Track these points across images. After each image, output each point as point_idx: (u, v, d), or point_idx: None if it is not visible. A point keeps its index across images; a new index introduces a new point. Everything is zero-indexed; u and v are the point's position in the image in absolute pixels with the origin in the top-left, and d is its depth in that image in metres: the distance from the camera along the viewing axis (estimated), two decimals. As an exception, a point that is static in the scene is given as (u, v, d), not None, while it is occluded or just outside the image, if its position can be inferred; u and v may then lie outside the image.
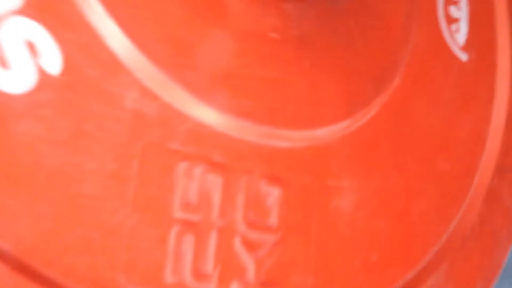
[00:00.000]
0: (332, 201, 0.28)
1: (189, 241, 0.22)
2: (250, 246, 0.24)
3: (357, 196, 0.29)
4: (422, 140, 0.33)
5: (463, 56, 0.37)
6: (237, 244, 0.23)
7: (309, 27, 0.31)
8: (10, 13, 0.19)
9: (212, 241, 0.23)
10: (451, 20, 0.37)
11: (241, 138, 0.24)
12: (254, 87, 0.27)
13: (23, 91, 0.17)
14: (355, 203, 0.29)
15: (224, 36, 0.26)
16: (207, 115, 0.24)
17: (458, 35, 0.37)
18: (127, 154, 0.20)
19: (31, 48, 0.19)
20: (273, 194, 0.26)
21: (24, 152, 0.17)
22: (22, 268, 0.17)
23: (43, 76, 0.18)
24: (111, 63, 0.20)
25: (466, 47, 0.37)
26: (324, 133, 0.29)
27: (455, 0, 0.37)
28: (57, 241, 0.18)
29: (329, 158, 0.28)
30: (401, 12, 0.35)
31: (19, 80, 0.17)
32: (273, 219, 0.25)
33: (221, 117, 0.24)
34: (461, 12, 0.38)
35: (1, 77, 0.17)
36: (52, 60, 0.18)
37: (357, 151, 0.29)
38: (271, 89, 0.28)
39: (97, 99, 0.19)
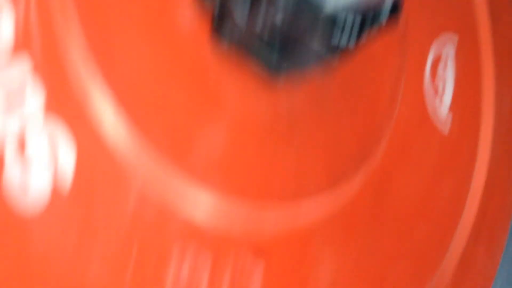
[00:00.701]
0: (313, 274, 0.30)
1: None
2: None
3: (336, 268, 0.32)
4: (400, 212, 0.35)
5: (445, 129, 0.39)
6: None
7: (298, 105, 0.33)
8: (35, 111, 0.21)
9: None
10: (436, 91, 0.39)
11: (230, 227, 0.27)
12: (245, 168, 0.30)
13: (36, 212, 0.20)
14: (334, 275, 0.31)
15: (219, 123, 0.29)
16: (202, 202, 0.26)
17: (442, 107, 0.39)
18: (125, 253, 0.23)
19: (50, 154, 0.21)
20: (257, 270, 0.28)
21: (36, 266, 0.20)
22: None
23: (55, 194, 0.20)
24: (115, 172, 0.23)
25: (448, 118, 0.39)
26: (307, 209, 0.31)
27: (441, 73, 0.40)
28: None
29: (311, 237, 0.30)
30: (388, 84, 0.37)
31: (33, 200, 0.20)
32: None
33: (212, 204, 0.27)
34: (446, 83, 0.40)
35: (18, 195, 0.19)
36: (65, 171, 0.21)
37: (338, 228, 0.31)
38: (261, 167, 0.31)
39: (101, 210, 0.22)
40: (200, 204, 0.26)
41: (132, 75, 0.25)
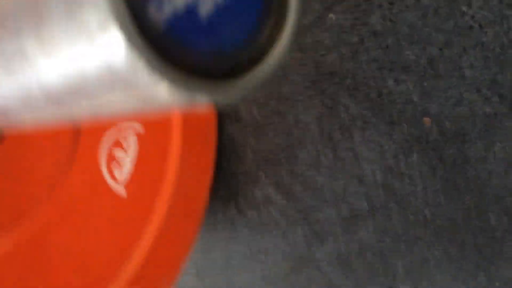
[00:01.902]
0: None
1: None
2: None
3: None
4: (59, 261, 0.41)
5: (123, 192, 0.46)
6: None
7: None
8: None
9: None
10: (114, 160, 0.46)
11: None
12: None
13: None
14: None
15: None
16: None
17: (122, 175, 0.45)
18: None
19: None
20: None
21: None
22: None
23: None
24: None
25: (128, 184, 0.46)
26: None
27: (121, 143, 0.46)
28: None
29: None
30: (55, 161, 0.42)
31: None
32: None
33: None
34: (126, 158, 0.46)
35: None
36: None
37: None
38: None
39: None
40: None
41: None
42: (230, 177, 0.60)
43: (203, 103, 0.13)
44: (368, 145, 0.48)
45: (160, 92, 0.12)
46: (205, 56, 0.13)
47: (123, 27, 0.12)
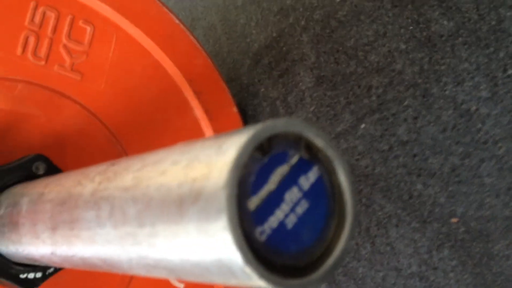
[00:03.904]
0: None
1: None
2: None
3: None
4: None
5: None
6: None
7: None
8: None
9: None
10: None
11: None
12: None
13: None
14: None
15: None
16: None
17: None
18: None
19: None
20: None
21: None
22: None
23: None
24: None
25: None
26: None
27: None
28: None
29: None
30: None
31: None
32: None
33: None
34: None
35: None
36: None
37: None
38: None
39: None
40: None
41: None
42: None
43: None
44: (403, 241, 0.53)
45: (256, 283, 0.19)
46: (292, 256, 0.20)
47: (242, 249, 0.18)
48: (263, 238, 0.19)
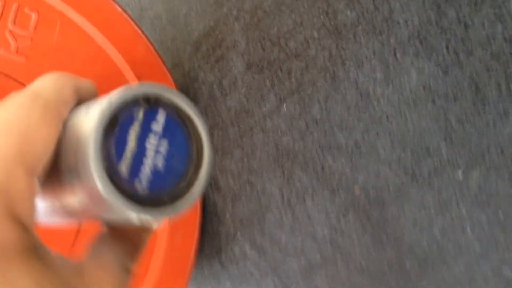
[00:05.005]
0: None
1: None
2: None
3: None
4: None
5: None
6: None
7: None
8: None
9: None
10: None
11: None
12: None
13: None
14: None
15: None
16: None
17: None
18: None
19: None
20: None
21: None
22: None
23: None
24: None
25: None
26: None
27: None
28: None
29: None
30: None
31: None
32: None
33: None
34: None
35: None
36: None
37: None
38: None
39: None
40: None
41: None
42: (213, 237, 0.72)
43: (155, 220, 0.25)
44: (317, 209, 0.59)
45: (131, 215, 0.25)
46: (155, 193, 0.25)
47: (109, 192, 0.24)
48: (144, 187, 0.24)
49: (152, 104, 0.25)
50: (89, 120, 0.24)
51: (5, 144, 0.23)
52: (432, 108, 0.48)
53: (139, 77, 0.70)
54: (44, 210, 0.29)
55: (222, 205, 0.71)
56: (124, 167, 0.24)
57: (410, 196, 0.51)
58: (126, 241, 0.28)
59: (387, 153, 0.52)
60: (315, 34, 0.57)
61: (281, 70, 0.62)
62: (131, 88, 0.25)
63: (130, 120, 0.25)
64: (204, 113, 0.74)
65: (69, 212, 0.28)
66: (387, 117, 0.52)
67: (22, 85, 0.61)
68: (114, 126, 0.24)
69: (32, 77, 0.62)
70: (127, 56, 0.69)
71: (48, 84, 0.26)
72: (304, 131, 0.60)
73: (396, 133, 0.51)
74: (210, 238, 0.72)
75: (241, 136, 0.67)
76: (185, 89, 0.77)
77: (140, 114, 0.25)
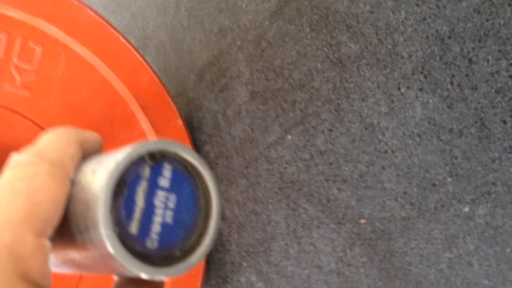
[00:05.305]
0: None
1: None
2: None
3: None
4: None
5: None
6: None
7: None
8: None
9: None
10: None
11: None
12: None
13: None
14: None
15: None
16: None
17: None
18: None
19: None
20: None
21: None
22: None
23: None
24: None
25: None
26: None
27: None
28: None
29: None
30: None
31: None
32: None
33: None
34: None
35: None
36: None
37: None
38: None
39: None
40: None
41: None
42: (220, 267, 0.71)
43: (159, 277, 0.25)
44: (323, 241, 0.59)
45: (145, 276, 0.24)
46: (166, 248, 0.25)
47: (122, 256, 0.23)
48: (155, 244, 0.24)
49: (157, 159, 0.25)
50: (97, 182, 0.24)
51: (13, 208, 0.23)
52: (437, 143, 0.48)
53: (143, 107, 0.70)
54: (55, 262, 0.29)
55: (228, 234, 0.70)
56: (134, 228, 0.24)
57: (417, 229, 0.50)
58: (144, 285, 0.28)
59: (393, 186, 0.52)
60: (319, 66, 0.58)
61: (285, 101, 0.62)
62: (136, 147, 0.25)
63: (137, 179, 0.25)
64: (208, 142, 0.74)
65: (80, 266, 0.28)
66: (392, 150, 0.51)
67: (28, 119, 0.62)
68: (122, 188, 0.24)
69: (37, 110, 0.63)
70: (131, 86, 0.69)
71: (52, 142, 0.26)
72: (309, 162, 0.60)
73: (402, 167, 0.51)
74: (216, 267, 0.72)
75: (246, 166, 0.67)
76: (190, 118, 0.77)
77: (147, 172, 0.25)
